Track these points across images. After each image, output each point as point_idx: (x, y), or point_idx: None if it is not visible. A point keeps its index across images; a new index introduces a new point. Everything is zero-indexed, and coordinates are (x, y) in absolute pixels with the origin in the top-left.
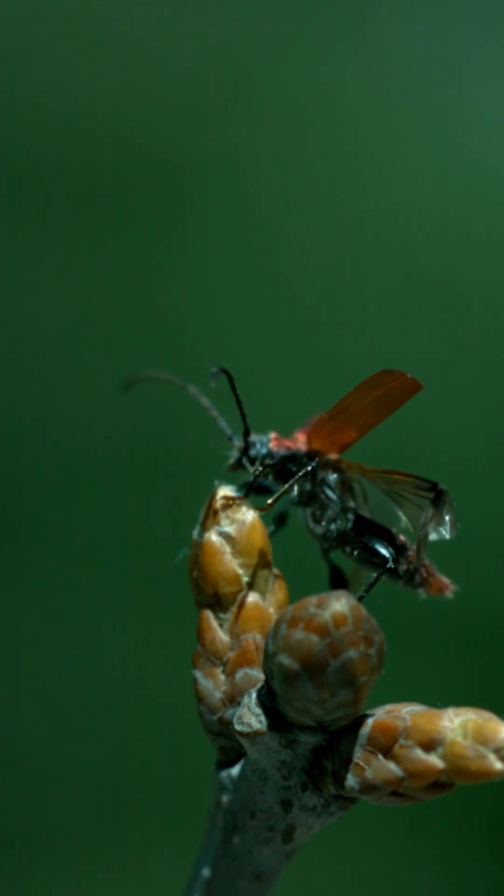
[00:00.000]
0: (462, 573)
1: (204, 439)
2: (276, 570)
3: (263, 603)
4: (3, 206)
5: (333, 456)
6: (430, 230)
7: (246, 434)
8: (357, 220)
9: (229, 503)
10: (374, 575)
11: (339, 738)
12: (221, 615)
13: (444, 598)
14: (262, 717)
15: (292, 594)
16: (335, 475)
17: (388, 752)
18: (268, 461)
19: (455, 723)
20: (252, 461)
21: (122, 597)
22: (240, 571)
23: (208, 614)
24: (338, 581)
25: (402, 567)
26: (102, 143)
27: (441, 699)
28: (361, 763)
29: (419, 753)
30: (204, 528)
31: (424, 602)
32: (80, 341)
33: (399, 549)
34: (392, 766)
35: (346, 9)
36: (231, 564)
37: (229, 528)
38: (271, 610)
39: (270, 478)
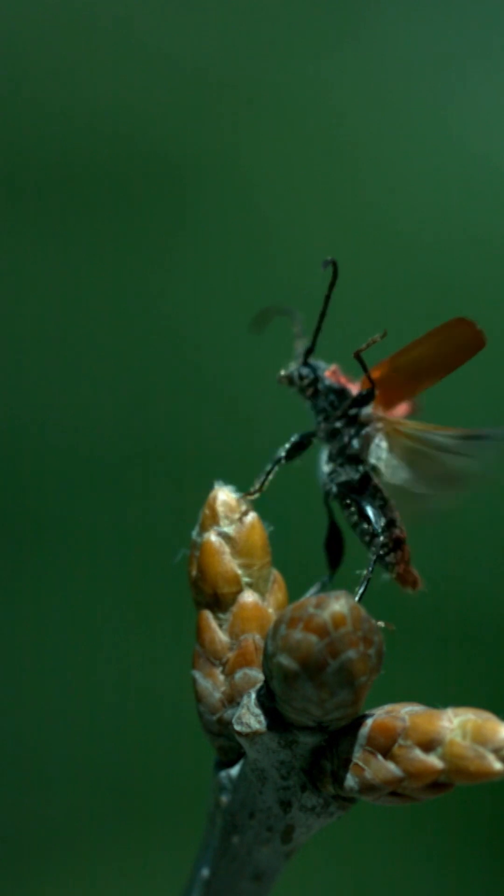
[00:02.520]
0: (462, 573)
1: (204, 439)
2: (275, 571)
3: (263, 603)
4: (3, 206)
5: (378, 410)
6: (429, 230)
7: (308, 352)
8: (357, 220)
9: (253, 492)
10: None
11: (339, 738)
12: (221, 615)
13: (408, 592)
14: (262, 718)
15: (291, 594)
16: (370, 429)
17: (387, 753)
18: (316, 385)
19: (454, 723)
20: (301, 381)
21: (122, 597)
22: (239, 572)
23: (208, 614)
24: (333, 539)
25: (384, 542)
26: (102, 143)
27: (440, 699)
28: (360, 763)
29: (418, 754)
30: (203, 529)
31: (424, 602)
32: (80, 341)
33: (389, 523)
34: (391, 766)
35: (347, 9)
36: (230, 565)
37: (228, 529)
38: (270, 610)
39: (312, 403)
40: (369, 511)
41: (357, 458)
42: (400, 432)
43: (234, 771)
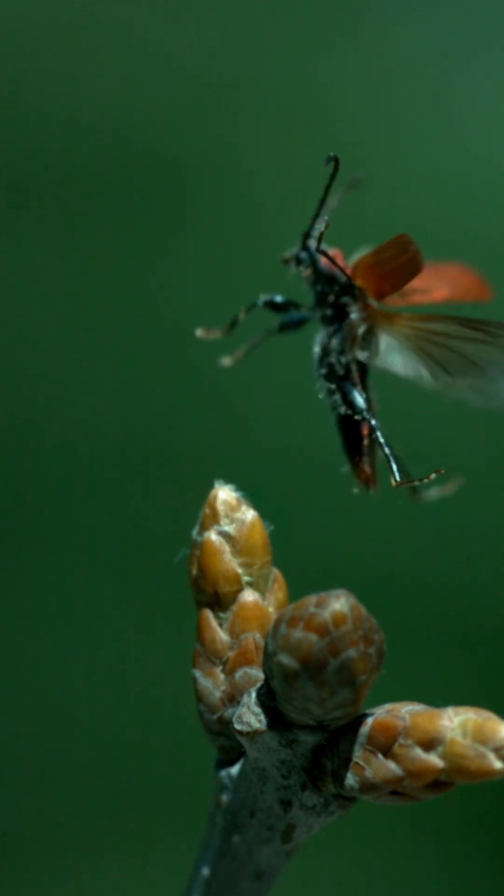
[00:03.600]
0: (462, 573)
1: (204, 439)
2: (275, 570)
3: (263, 602)
4: (3, 207)
5: (370, 299)
6: (430, 230)
7: (306, 236)
8: (357, 219)
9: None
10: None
11: (339, 737)
12: (221, 614)
13: (360, 490)
14: (262, 717)
15: (292, 594)
16: (356, 317)
17: (387, 752)
18: (311, 268)
19: (455, 722)
20: (302, 262)
21: (122, 596)
22: (239, 571)
23: (208, 614)
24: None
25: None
26: (102, 143)
27: (441, 699)
28: (361, 762)
29: (419, 753)
30: (203, 528)
31: (424, 602)
32: (80, 341)
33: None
34: (392, 765)
35: (346, 9)
36: (231, 564)
37: (229, 528)
38: (271, 609)
39: (309, 284)
40: (356, 399)
41: (346, 346)
42: (401, 323)
43: (235, 770)
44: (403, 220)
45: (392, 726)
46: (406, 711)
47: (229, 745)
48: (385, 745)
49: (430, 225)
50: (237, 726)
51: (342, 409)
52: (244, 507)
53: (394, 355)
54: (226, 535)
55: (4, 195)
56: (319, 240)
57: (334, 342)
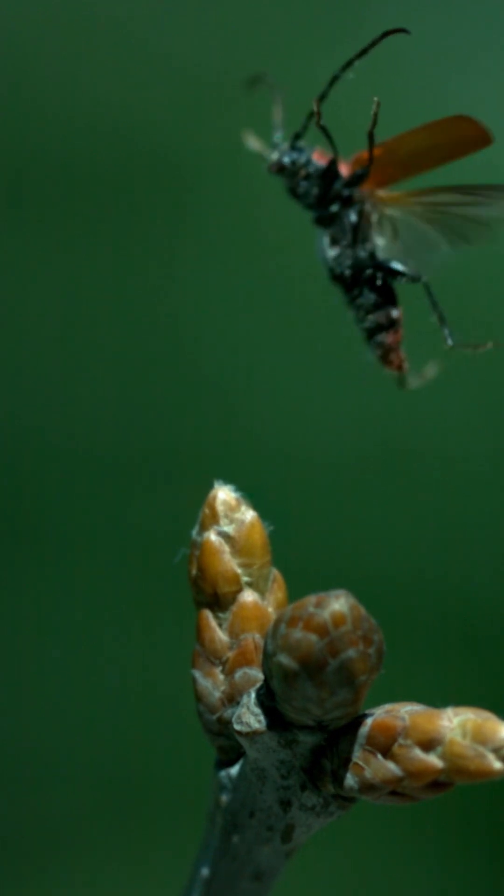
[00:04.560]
0: (462, 573)
1: (204, 439)
2: (275, 570)
3: (262, 602)
4: (3, 206)
5: (372, 187)
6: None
7: (296, 137)
8: None
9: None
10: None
11: (339, 737)
12: (221, 615)
13: (394, 376)
14: (262, 717)
15: (291, 594)
16: (367, 206)
17: (387, 752)
18: (305, 169)
19: (454, 722)
20: (292, 166)
21: (122, 596)
22: (239, 571)
23: (207, 614)
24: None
25: (391, 319)
26: (102, 143)
27: (440, 699)
28: (360, 762)
29: (418, 753)
30: (203, 528)
31: (424, 602)
32: (80, 341)
33: (389, 301)
34: (391, 765)
35: (346, 9)
36: (230, 564)
37: (228, 528)
38: (270, 609)
39: (303, 189)
40: (394, 266)
41: (361, 237)
42: (405, 201)
43: (235, 770)
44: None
45: (391, 726)
46: (405, 712)
47: (229, 746)
48: (384, 745)
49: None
50: (237, 726)
51: (369, 300)
52: (244, 508)
53: (409, 234)
54: (225, 536)
55: (4, 195)
56: (296, 139)
57: (349, 238)
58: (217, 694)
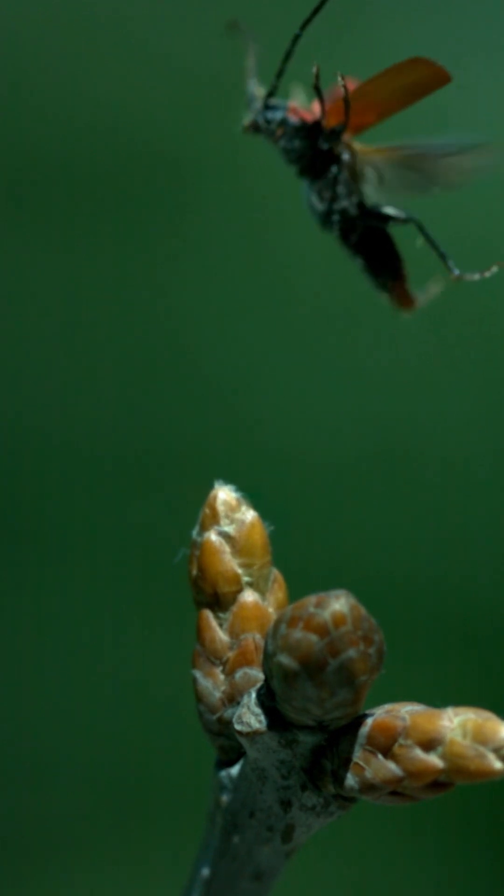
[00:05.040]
0: (462, 573)
1: (204, 439)
2: (275, 570)
3: (263, 602)
4: (3, 206)
5: (348, 136)
6: (429, 229)
7: (269, 94)
8: None
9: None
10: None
11: (339, 737)
12: (221, 615)
13: (402, 310)
14: (262, 717)
15: (292, 594)
16: (347, 155)
17: (387, 752)
18: (282, 127)
19: (454, 722)
20: (268, 125)
21: (122, 597)
22: (239, 571)
23: (208, 614)
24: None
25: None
26: (102, 143)
27: (441, 699)
28: (361, 762)
29: (418, 753)
30: (203, 528)
31: (424, 602)
32: (80, 341)
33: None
34: (391, 765)
35: (346, 9)
36: (230, 564)
37: (229, 528)
38: (271, 609)
39: (282, 144)
40: (386, 211)
41: (345, 187)
42: (384, 152)
43: (235, 770)
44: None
45: (392, 726)
46: (406, 712)
47: (229, 746)
48: (385, 745)
49: (429, 224)
50: (237, 726)
51: (368, 244)
52: (244, 508)
53: (395, 178)
54: (226, 536)
55: (4, 194)
56: (269, 97)
57: (338, 189)
58: (217, 694)
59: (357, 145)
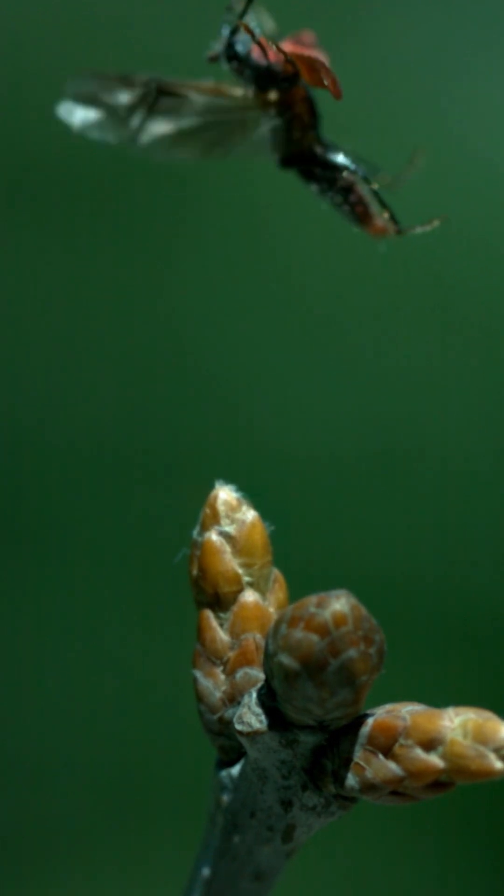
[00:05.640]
0: (462, 573)
1: (204, 439)
2: (276, 570)
3: (263, 602)
4: (3, 206)
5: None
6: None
7: (235, 30)
8: None
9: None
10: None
11: (339, 737)
12: (221, 615)
13: (379, 238)
14: (262, 717)
15: (292, 594)
16: (304, 98)
17: (388, 752)
18: (244, 64)
19: (455, 722)
20: (233, 59)
21: (123, 597)
22: (240, 571)
23: (208, 614)
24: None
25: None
26: (102, 142)
27: (441, 699)
28: (361, 762)
29: (419, 753)
30: (204, 528)
31: (424, 602)
32: (81, 341)
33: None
34: (392, 765)
35: (346, 9)
36: (231, 564)
37: (229, 528)
38: (271, 609)
39: (243, 80)
40: (335, 159)
41: (306, 127)
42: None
43: (235, 770)
44: (402, 218)
45: (392, 726)
46: (406, 712)
47: (230, 746)
48: (385, 745)
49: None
50: (237, 726)
51: (331, 179)
52: (244, 508)
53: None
54: (226, 536)
55: (4, 194)
56: (234, 34)
57: (290, 132)
58: (218, 694)
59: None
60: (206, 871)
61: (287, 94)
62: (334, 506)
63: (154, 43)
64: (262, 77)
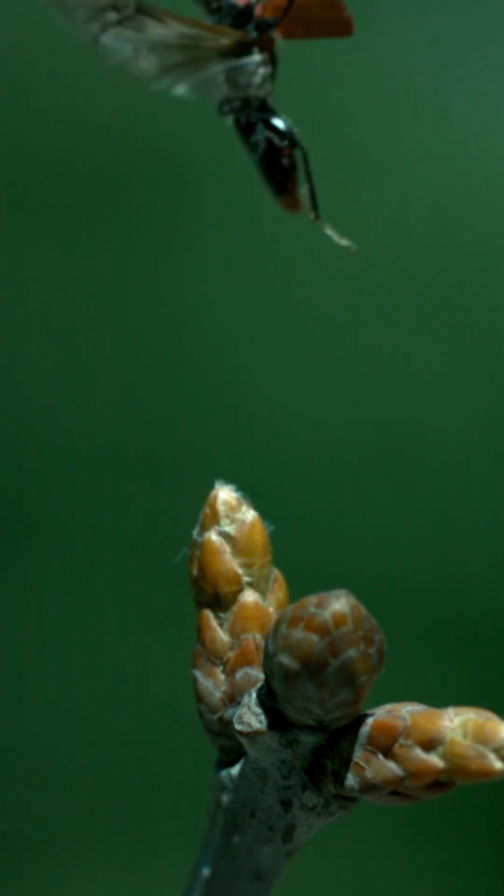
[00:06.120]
0: (462, 573)
1: (204, 439)
2: (276, 570)
3: (263, 602)
4: (3, 206)
5: (278, 37)
6: (429, 230)
7: None
8: (356, 219)
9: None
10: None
11: (339, 737)
12: (221, 614)
13: (289, 213)
14: (262, 717)
15: (292, 594)
16: (270, 54)
17: (388, 752)
18: (219, 2)
19: (455, 722)
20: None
21: (123, 597)
22: (240, 571)
23: (208, 614)
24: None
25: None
26: (102, 142)
27: (441, 699)
28: (361, 762)
29: (419, 753)
30: (204, 528)
31: (424, 602)
32: (81, 341)
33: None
34: (392, 765)
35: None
36: (231, 564)
37: (229, 528)
38: (271, 609)
39: (215, 18)
40: (280, 123)
41: (262, 78)
42: None
43: (235, 770)
44: (402, 219)
45: (392, 726)
46: (406, 712)
47: (230, 746)
48: (385, 745)
49: (428, 223)
50: (237, 726)
51: (269, 139)
52: (244, 508)
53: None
54: (226, 536)
55: (4, 195)
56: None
57: (249, 77)
58: (218, 694)
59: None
60: (206, 871)
61: (262, 35)
62: (334, 506)
63: None
64: (241, 14)
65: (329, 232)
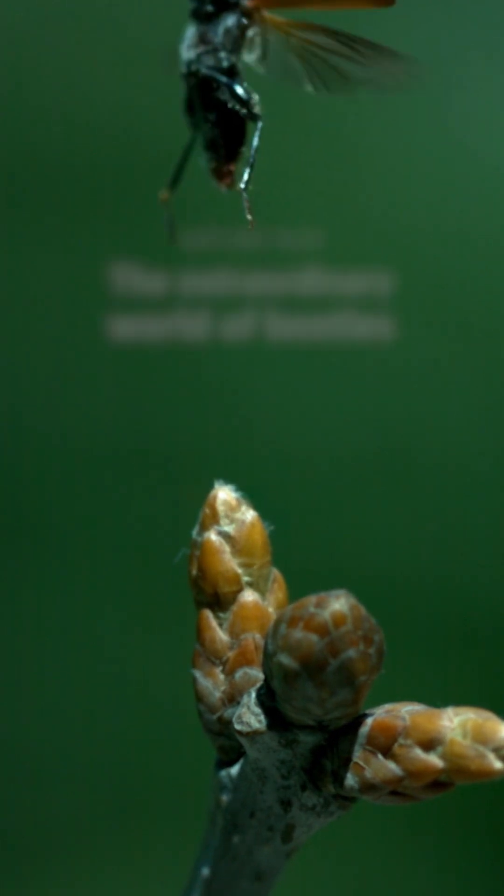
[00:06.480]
0: (462, 573)
1: (204, 439)
2: (275, 570)
3: (263, 602)
4: (2, 206)
5: (258, 3)
6: (429, 230)
7: None
8: (356, 219)
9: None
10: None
11: (339, 737)
12: (221, 614)
13: (218, 187)
14: (262, 717)
15: (292, 594)
16: (248, 19)
17: (387, 752)
18: None
19: (454, 722)
20: None
21: (122, 597)
22: (239, 571)
23: (208, 614)
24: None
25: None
26: (101, 142)
27: (441, 699)
28: (361, 762)
29: (419, 753)
30: (203, 528)
31: (424, 602)
32: (80, 340)
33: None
34: (391, 765)
35: (345, 10)
36: (231, 564)
37: (229, 528)
38: (271, 609)
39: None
40: (242, 91)
41: (235, 45)
42: (285, 29)
43: (235, 770)
44: (403, 219)
45: (392, 726)
46: (406, 711)
47: (229, 745)
48: (385, 745)
49: (428, 223)
50: (237, 726)
51: (230, 104)
52: (244, 508)
53: (276, 62)
54: (226, 536)
55: (4, 194)
56: None
57: (221, 38)
58: (217, 694)
59: (263, 14)
60: (206, 871)
61: (236, 4)
62: (334, 506)
63: (154, 42)
64: None
65: (245, 205)
